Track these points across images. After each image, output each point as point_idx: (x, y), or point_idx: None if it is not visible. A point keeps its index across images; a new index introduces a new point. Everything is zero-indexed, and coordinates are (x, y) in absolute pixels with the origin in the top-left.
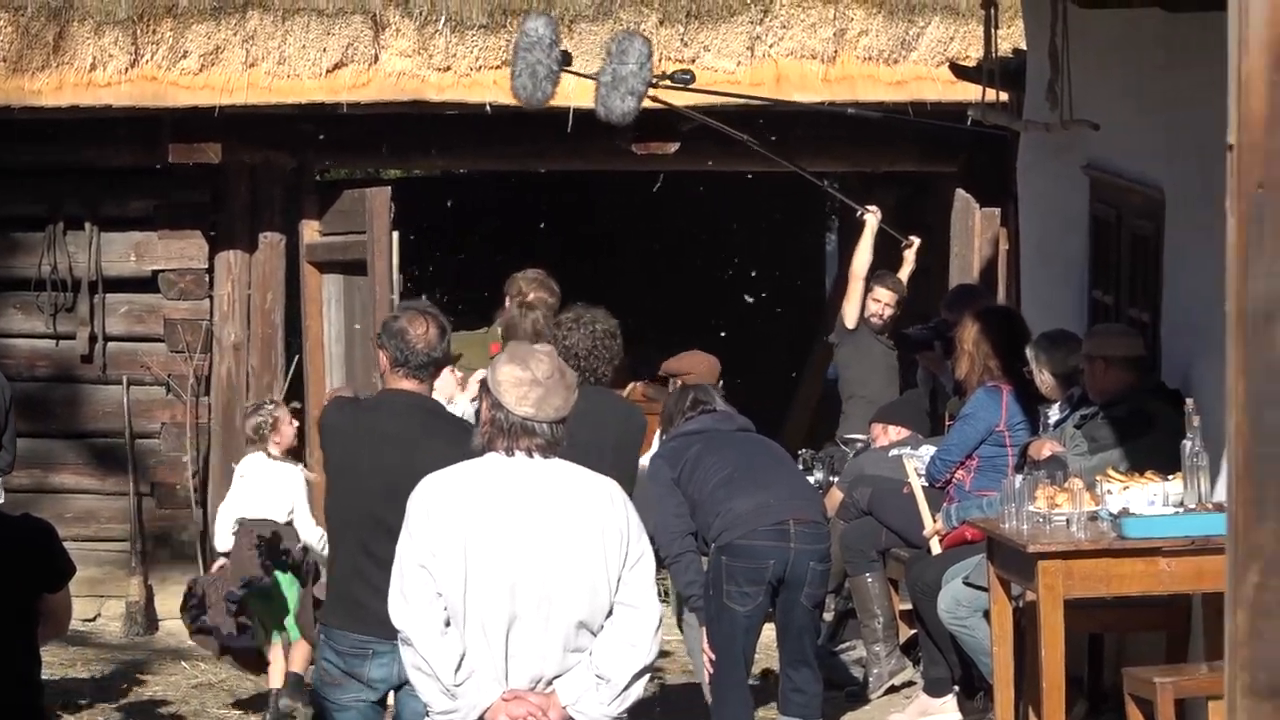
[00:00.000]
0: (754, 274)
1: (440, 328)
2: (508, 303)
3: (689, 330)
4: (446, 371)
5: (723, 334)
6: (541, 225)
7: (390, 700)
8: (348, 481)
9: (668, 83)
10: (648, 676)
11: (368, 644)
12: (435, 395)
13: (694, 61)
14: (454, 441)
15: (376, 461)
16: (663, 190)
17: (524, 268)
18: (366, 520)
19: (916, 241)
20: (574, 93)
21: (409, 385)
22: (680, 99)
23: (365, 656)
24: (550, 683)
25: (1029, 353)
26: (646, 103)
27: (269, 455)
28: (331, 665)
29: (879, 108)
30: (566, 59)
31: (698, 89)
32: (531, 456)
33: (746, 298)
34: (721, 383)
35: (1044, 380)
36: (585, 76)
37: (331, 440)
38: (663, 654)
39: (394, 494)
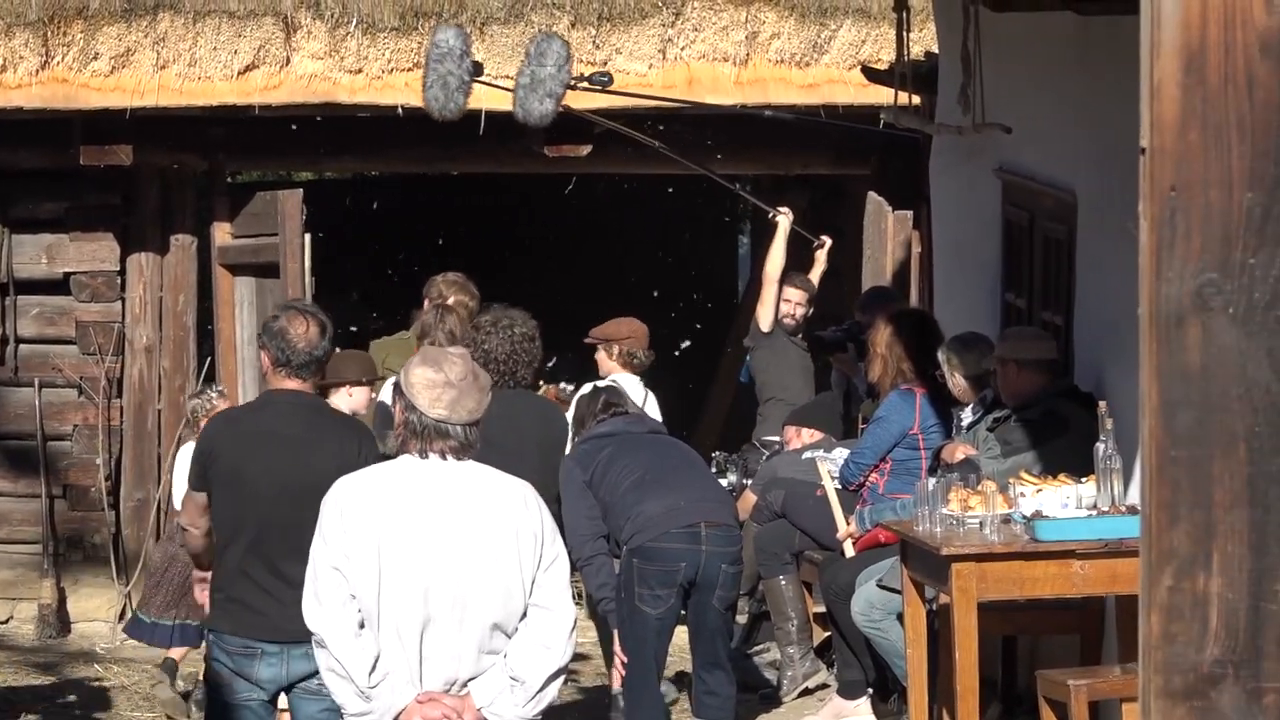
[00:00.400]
0: (667, 274)
1: (321, 326)
2: (426, 305)
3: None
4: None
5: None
6: (454, 228)
7: (283, 701)
8: (235, 488)
9: (585, 85)
10: (563, 678)
11: (255, 646)
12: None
13: (606, 64)
14: (342, 438)
15: (265, 463)
16: (577, 192)
17: (439, 270)
18: (256, 523)
19: (828, 242)
20: (486, 96)
21: (292, 384)
22: (594, 101)
23: (254, 657)
24: (465, 685)
25: (940, 356)
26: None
27: None
28: (221, 666)
29: (792, 110)
30: (478, 69)
31: (615, 91)
32: (445, 459)
33: (654, 293)
34: (651, 351)
35: (956, 383)
36: (497, 86)
37: (215, 454)
38: (578, 657)
39: (284, 494)
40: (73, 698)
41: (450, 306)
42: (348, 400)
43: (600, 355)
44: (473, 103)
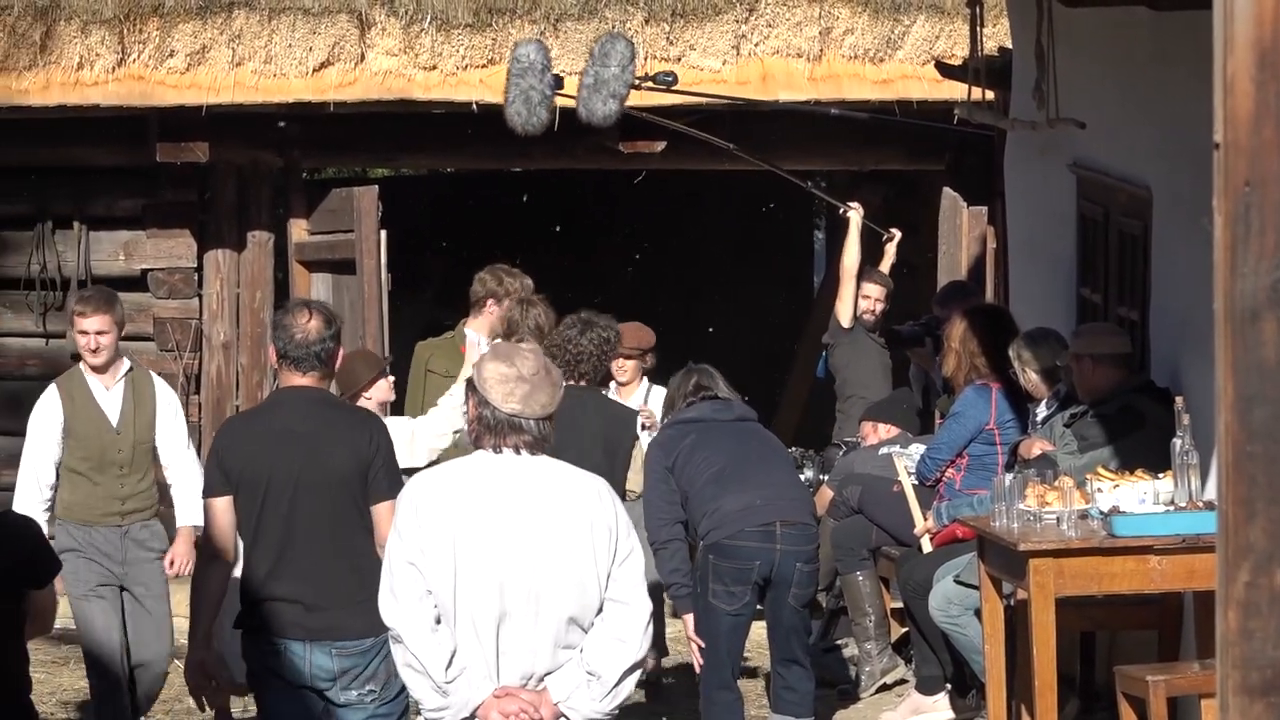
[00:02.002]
0: (742, 268)
1: (325, 320)
2: (488, 304)
3: (674, 327)
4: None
5: (710, 329)
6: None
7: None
8: (254, 489)
9: (650, 85)
10: (639, 673)
11: (281, 643)
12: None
13: (679, 60)
14: (354, 429)
15: (282, 461)
16: (649, 187)
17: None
18: (278, 522)
19: (897, 235)
20: (560, 92)
21: (298, 379)
22: (665, 98)
23: (282, 654)
24: (541, 679)
25: (1011, 352)
26: (633, 102)
27: None
28: (254, 667)
29: (865, 106)
30: (559, 83)
31: (680, 90)
32: (519, 453)
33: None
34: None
35: (1028, 379)
36: (575, 98)
37: (228, 458)
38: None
39: (302, 491)
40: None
41: (534, 300)
42: (366, 403)
43: (632, 364)
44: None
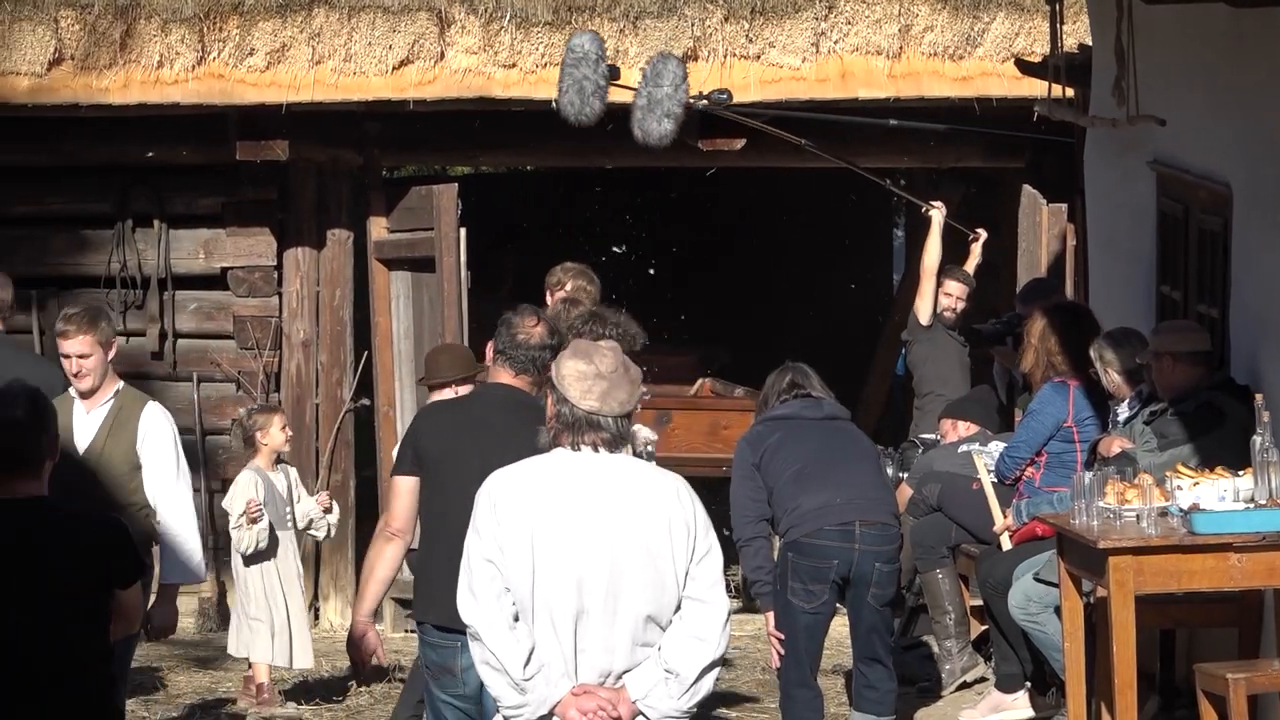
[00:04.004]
0: (822, 267)
1: (550, 331)
2: (548, 296)
3: (755, 325)
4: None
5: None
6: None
7: None
8: (445, 477)
9: (705, 104)
10: (717, 671)
11: (457, 637)
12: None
13: (759, 58)
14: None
15: (476, 453)
16: (728, 185)
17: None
18: (465, 512)
19: (983, 235)
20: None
21: (506, 378)
22: (747, 95)
23: (456, 649)
24: (619, 677)
25: (1093, 353)
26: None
27: None
28: (431, 660)
29: (944, 103)
30: (614, 73)
31: (734, 107)
32: (597, 451)
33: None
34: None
35: (1110, 379)
36: (630, 89)
37: (423, 440)
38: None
39: None
40: (231, 692)
41: (576, 299)
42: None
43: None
44: (625, 97)
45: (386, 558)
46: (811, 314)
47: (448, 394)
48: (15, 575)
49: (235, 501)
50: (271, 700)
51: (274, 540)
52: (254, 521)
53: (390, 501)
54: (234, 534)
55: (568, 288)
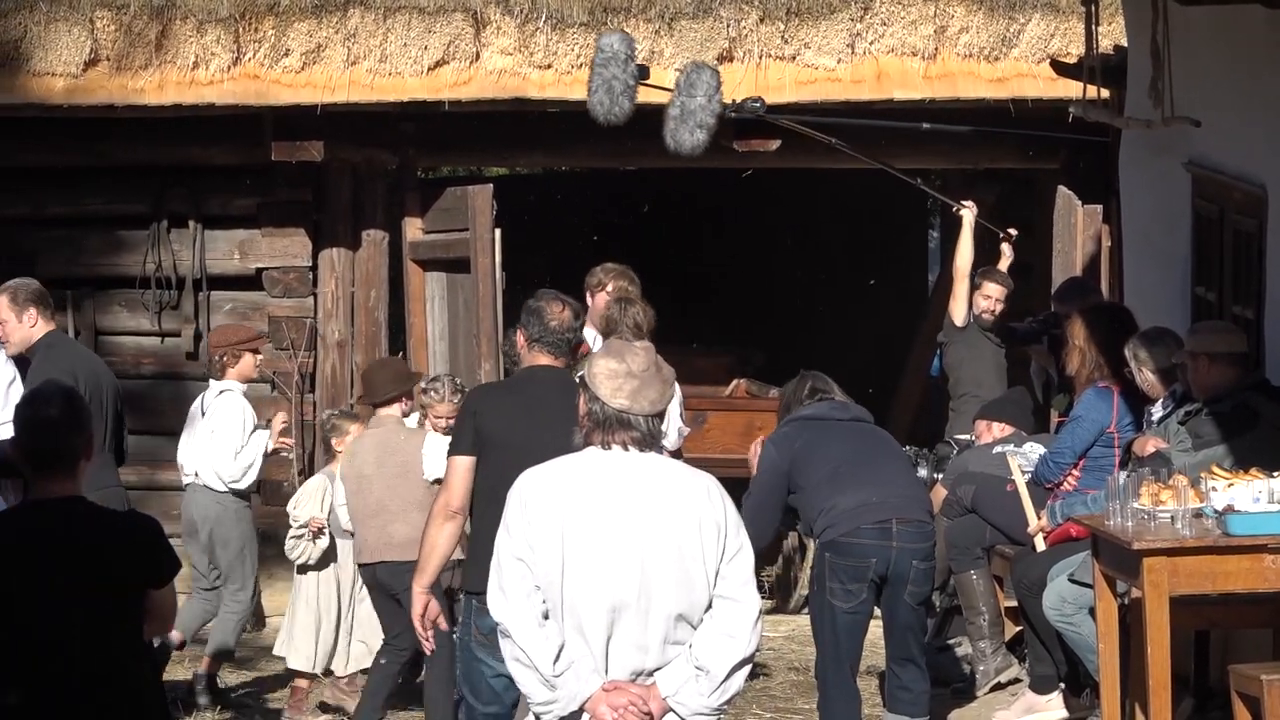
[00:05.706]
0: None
1: (575, 313)
2: (589, 297)
3: (790, 327)
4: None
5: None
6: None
7: None
8: (500, 453)
9: (737, 113)
10: (747, 669)
11: None
12: None
13: (795, 58)
14: None
15: (532, 429)
16: (762, 184)
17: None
18: None
19: (1014, 233)
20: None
21: (547, 360)
22: (776, 97)
23: None
24: (650, 675)
25: (1127, 352)
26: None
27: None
28: (489, 627)
29: (980, 104)
30: (643, 73)
31: (767, 116)
32: (628, 450)
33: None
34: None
35: (1145, 378)
36: (661, 89)
37: (482, 420)
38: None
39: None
40: (266, 690)
41: (633, 298)
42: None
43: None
44: (661, 97)
45: (447, 534)
46: (847, 316)
47: (395, 410)
48: (52, 575)
49: (302, 509)
50: (303, 707)
51: (333, 546)
52: (317, 536)
53: (448, 480)
54: (290, 540)
55: (609, 288)
